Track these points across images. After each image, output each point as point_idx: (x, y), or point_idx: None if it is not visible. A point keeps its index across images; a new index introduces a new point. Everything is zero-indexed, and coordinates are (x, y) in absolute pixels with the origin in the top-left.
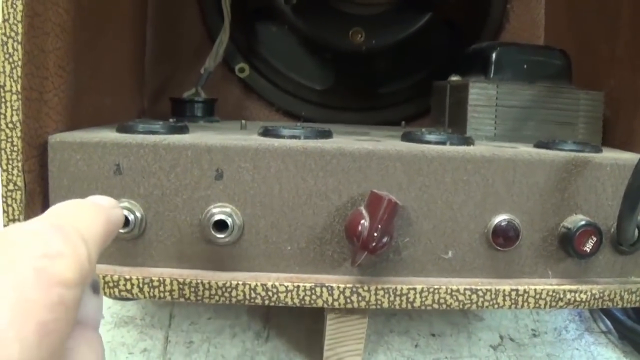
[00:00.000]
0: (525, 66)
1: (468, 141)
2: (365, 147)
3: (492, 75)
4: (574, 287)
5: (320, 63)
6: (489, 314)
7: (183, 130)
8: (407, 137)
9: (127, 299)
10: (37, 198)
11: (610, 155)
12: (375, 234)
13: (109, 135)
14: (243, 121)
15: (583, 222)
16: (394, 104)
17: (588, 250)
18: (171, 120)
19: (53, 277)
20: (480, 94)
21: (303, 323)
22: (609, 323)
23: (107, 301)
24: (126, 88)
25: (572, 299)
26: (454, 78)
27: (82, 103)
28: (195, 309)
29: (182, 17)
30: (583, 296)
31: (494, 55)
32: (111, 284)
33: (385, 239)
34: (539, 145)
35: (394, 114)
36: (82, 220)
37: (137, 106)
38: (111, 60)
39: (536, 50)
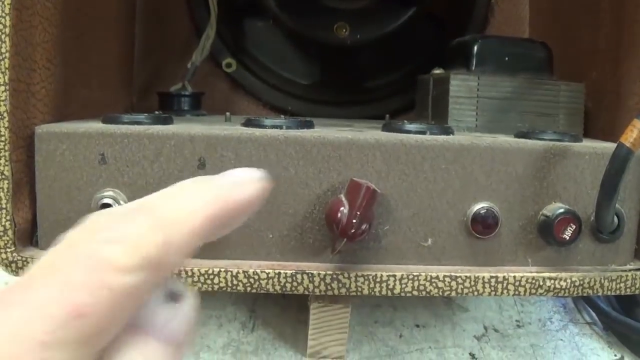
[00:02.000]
0: (506, 58)
1: (448, 131)
2: (345, 136)
3: (473, 67)
4: (553, 275)
5: (306, 58)
6: (473, 305)
7: (167, 121)
8: (387, 128)
9: None
10: (24, 187)
11: (589, 144)
12: (354, 221)
13: (94, 125)
14: (228, 113)
15: (562, 210)
16: (379, 98)
17: (567, 237)
18: (157, 112)
19: (102, 260)
20: (461, 86)
21: (289, 314)
22: (593, 314)
23: None
24: (114, 82)
25: (552, 286)
26: (437, 71)
27: (69, 96)
28: None
29: (170, 13)
30: (563, 283)
31: (475, 48)
32: None
33: (364, 226)
34: (518, 135)
35: (379, 108)
36: (178, 201)
37: (125, 101)
38: (99, 54)
39: (518, 42)
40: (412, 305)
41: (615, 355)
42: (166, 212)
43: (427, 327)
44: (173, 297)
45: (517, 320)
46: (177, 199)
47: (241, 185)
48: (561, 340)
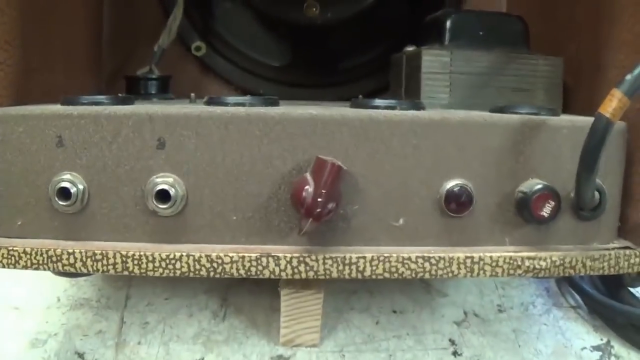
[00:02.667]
0: (481, 33)
1: (418, 106)
2: (310, 112)
3: (447, 42)
4: (532, 254)
5: (276, 39)
6: (453, 290)
7: (126, 101)
8: (356, 104)
9: (74, 275)
10: None
11: (567, 118)
12: (320, 200)
13: (51, 107)
14: (192, 95)
15: (539, 186)
16: (353, 79)
17: (546, 215)
18: (119, 95)
19: None
20: (434, 61)
21: (262, 301)
22: (578, 297)
23: (63, 283)
24: (81, 68)
25: (531, 266)
26: (410, 48)
27: (31, 80)
28: (152, 290)
29: None
30: (542, 263)
31: (448, 22)
32: (54, 259)
33: (330, 205)
34: (494, 110)
35: (353, 89)
36: None
37: (93, 87)
38: (64, 38)
39: (492, 16)
40: (389, 291)
41: (602, 340)
42: None
43: (404, 313)
44: None
45: (498, 305)
46: None
47: None
48: (545, 324)
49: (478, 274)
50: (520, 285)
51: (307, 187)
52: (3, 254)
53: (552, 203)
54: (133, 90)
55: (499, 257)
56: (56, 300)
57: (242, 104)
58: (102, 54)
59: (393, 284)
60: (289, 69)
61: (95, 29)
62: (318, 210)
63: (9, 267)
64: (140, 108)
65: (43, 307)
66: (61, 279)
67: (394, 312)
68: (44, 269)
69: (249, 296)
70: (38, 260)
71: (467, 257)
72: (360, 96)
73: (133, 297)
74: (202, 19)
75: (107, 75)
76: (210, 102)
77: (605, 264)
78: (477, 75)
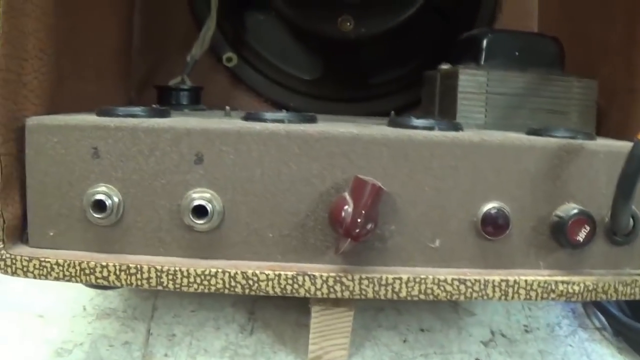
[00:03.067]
0: (517, 53)
1: (456, 127)
2: (350, 131)
3: (482, 62)
4: (566, 279)
5: (308, 52)
6: (480, 309)
7: (164, 114)
8: (394, 123)
9: (105, 288)
10: (13, 182)
11: (603, 142)
12: (359, 220)
13: (87, 118)
14: (227, 108)
15: (576, 211)
16: (384, 94)
17: (581, 239)
18: (154, 106)
19: None
20: (470, 81)
21: (289, 316)
22: (603, 319)
23: (89, 293)
24: (111, 76)
25: (565, 290)
26: (444, 66)
27: (63, 88)
28: (179, 301)
29: (170, 4)
30: (576, 288)
31: (485, 42)
32: (87, 271)
33: (369, 226)
34: (530, 132)
35: (384, 104)
36: None
37: (123, 95)
38: (96, 46)
39: (528, 37)
40: (416, 309)
41: None
42: None
43: (432, 332)
44: None
45: (525, 325)
46: None
47: None
48: (570, 346)
49: (512, 298)
50: (546, 306)
51: (346, 206)
52: (35, 265)
53: (588, 228)
54: (164, 100)
55: (533, 280)
56: (82, 309)
57: (281, 121)
58: (132, 63)
59: (421, 302)
60: (319, 83)
61: (125, 37)
62: (357, 230)
63: (40, 278)
64: (178, 122)
65: (69, 316)
66: (87, 287)
67: (422, 330)
68: (77, 281)
69: (276, 311)
70: (70, 273)
71: (502, 280)
72: (393, 112)
73: (160, 308)
74: (234, 30)
75: (137, 84)
76: (248, 118)
77: (637, 289)
78: (513, 96)
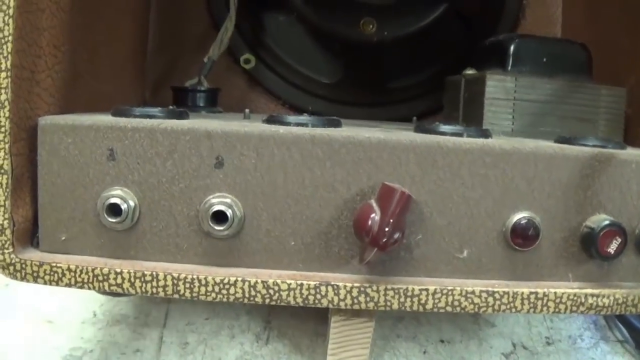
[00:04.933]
0: (544, 59)
1: (486, 134)
2: (377, 137)
3: (509, 67)
4: (596, 291)
5: (329, 55)
6: (500, 320)
7: (182, 115)
8: (420, 129)
9: (118, 295)
10: (25, 184)
11: (635, 152)
12: (387, 229)
13: (103, 118)
14: (247, 110)
15: (607, 222)
16: (404, 99)
17: (612, 252)
18: (171, 107)
19: None
20: (498, 87)
21: (306, 326)
22: (625, 331)
23: (99, 298)
24: (126, 76)
25: (594, 303)
26: (469, 72)
27: (77, 88)
28: (192, 308)
29: (187, 5)
30: (605, 301)
31: (512, 47)
32: (100, 278)
33: (397, 235)
34: (559, 140)
35: (404, 110)
36: None
37: (137, 96)
38: (110, 46)
39: (556, 43)
40: (436, 319)
41: None
42: None
43: (452, 343)
44: None
45: (546, 337)
46: None
47: None
48: (592, 359)
49: (541, 311)
50: (567, 318)
51: (373, 215)
52: (45, 270)
53: (619, 240)
54: (180, 102)
55: (562, 293)
56: (92, 315)
57: (305, 124)
58: (146, 63)
59: (440, 313)
60: (339, 87)
61: (141, 37)
62: (384, 240)
63: (51, 284)
64: (197, 123)
65: (78, 322)
66: (98, 293)
67: (442, 341)
68: (89, 288)
69: (292, 319)
70: (83, 279)
71: (531, 293)
72: (415, 118)
73: (172, 315)
74: (253, 31)
75: (152, 85)
76: (270, 121)
77: None
78: (541, 103)
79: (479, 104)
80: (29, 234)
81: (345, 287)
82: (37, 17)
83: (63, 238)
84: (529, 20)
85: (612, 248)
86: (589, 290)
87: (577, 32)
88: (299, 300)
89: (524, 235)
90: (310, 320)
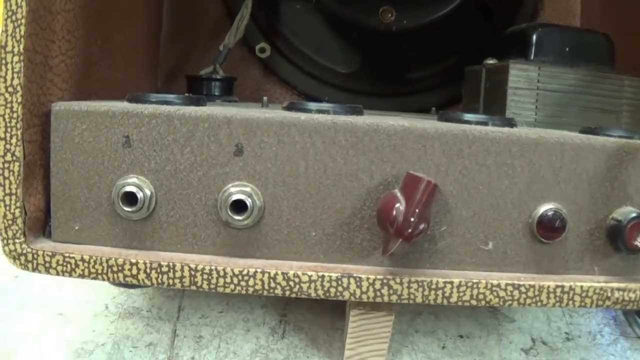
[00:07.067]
0: (567, 49)
1: (511, 123)
2: (401, 124)
3: (532, 57)
4: (622, 285)
5: (346, 44)
6: (519, 315)
7: (200, 102)
8: (444, 117)
9: (133, 286)
10: (37, 171)
11: None
12: (412, 220)
13: (118, 104)
14: (265, 98)
15: (634, 215)
16: (423, 90)
17: (639, 245)
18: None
19: None
20: (521, 76)
21: (323, 319)
22: None
23: (111, 289)
24: (139, 64)
25: (621, 297)
26: (491, 61)
27: (91, 74)
28: (207, 301)
29: None
30: (632, 295)
31: (535, 36)
32: (115, 269)
33: (422, 226)
34: (584, 131)
35: (423, 100)
36: None
37: (150, 84)
38: (124, 32)
39: (579, 32)
40: (455, 314)
41: None
42: None
43: (471, 338)
44: None
45: (566, 333)
46: None
47: None
48: (612, 355)
49: (567, 304)
50: (587, 313)
51: (397, 204)
52: (58, 260)
53: None
54: (195, 90)
55: (589, 287)
56: (104, 308)
57: (327, 111)
58: (160, 51)
59: (459, 307)
60: (356, 77)
61: (154, 26)
62: (409, 230)
63: (63, 275)
64: (216, 110)
65: (90, 315)
66: (111, 285)
67: (461, 336)
68: (103, 279)
69: (308, 313)
70: (97, 270)
71: (557, 286)
72: (434, 109)
73: (186, 308)
74: (268, 20)
75: (164, 74)
76: (290, 108)
77: None
78: (564, 93)
79: (501, 93)
80: (41, 224)
81: (367, 279)
82: (50, 1)
83: (76, 228)
84: (548, 12)
85: (639, 241)
86: (615, 284)
87: (595, 22)
88: (320, 292)
89: (550, 227)
90: (326, 313)
